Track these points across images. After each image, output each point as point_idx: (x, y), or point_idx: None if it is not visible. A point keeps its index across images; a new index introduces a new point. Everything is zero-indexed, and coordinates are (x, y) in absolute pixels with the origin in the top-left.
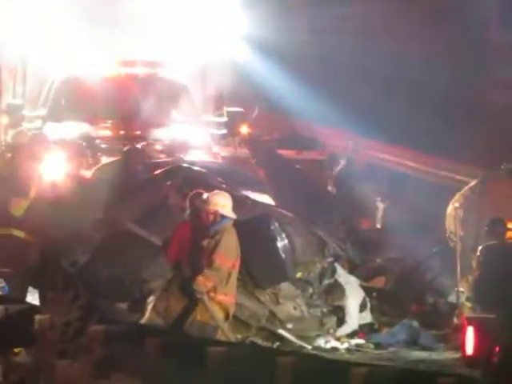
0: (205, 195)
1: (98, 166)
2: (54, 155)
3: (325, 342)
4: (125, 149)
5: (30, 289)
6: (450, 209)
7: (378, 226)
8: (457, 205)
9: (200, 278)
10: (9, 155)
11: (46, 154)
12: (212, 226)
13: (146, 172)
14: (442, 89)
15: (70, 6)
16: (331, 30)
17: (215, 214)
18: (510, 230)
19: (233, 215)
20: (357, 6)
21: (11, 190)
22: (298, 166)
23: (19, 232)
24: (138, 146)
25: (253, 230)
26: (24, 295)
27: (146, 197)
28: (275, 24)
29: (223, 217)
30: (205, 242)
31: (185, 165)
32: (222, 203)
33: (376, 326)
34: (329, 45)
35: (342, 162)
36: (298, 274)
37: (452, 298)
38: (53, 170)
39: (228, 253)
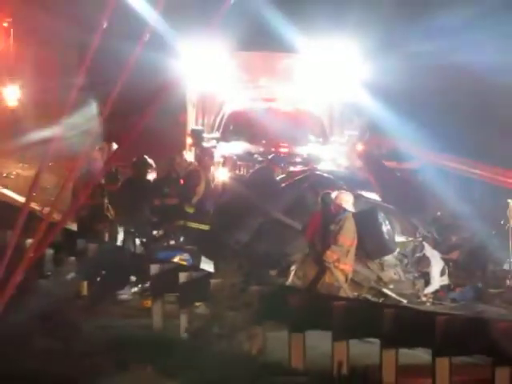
0: (333, 194)
1: (253, 171)
2: (218, 165)
3: (416, 298)
4: (269, 157)
5: (207, 260)
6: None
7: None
8: (509, 200)
9: (328, 252)
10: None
11: (211, 164)
12: (337, 215)
13: (288, 176)
14: None
15: (236, 60)
16: (421, 74)
17: (340, 207)
18: None
19: (352, 208)
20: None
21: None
22: (398, 174)
23: (193, 223)
24: (279, 156)
25: (366, 217)
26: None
27: (290, 194)
28: (382, 70)
29: (345, 209)
30: (332, 227)
31: (317, 172)
32: (345, 199)
33: (452, 287)
34: (418, 83)
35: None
36: (397, 249)
37: (506, 266)
38: (218, 175)
39: (348, 234)
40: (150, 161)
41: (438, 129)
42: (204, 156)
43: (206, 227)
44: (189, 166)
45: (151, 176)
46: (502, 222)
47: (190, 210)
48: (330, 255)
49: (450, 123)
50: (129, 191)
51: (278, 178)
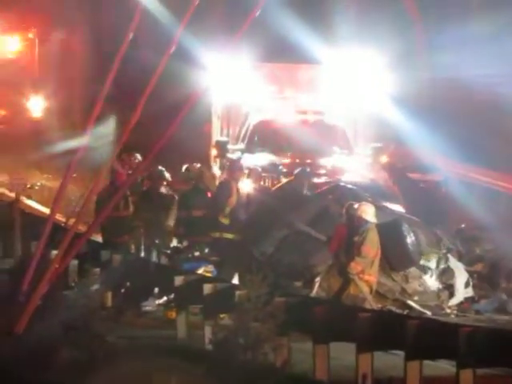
0: (356, 205)
1: (279, 184)
2: (243, 176)
3: (440, 310)
4: (295, 171)
5: (232, 272)
6: None
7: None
8: None
9: (352, 264)
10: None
11: (241, 176)
12: (360, 227)
13: (313, 188)
14: None
15: (261, 71)
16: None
17: (362, 218)
18: None
19: (374, 220)
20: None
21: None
22: (422, 185)
23: (228, 234)
24: (307, 169)
25: (390, 229)
26: (228, 276)
27: (314, 206)
28: (406, 81)
29: (367, 221)
30: (355, 238)
31: (341, 183)
32: (367, 211)
33: (476, 298)
34: (442, 95)
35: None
36: (422, 261)
37: None
38: (245, 186)
39: (371, 245)
40: (167, 174)
41: (462, 140)
42: (234, 167)
43: (239, 238)
44: (217, 178)
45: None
46: None
47: (226, 221)
48: (355, 266)
49: (474, 134)
50: (148, 202)
51: (304, 191)
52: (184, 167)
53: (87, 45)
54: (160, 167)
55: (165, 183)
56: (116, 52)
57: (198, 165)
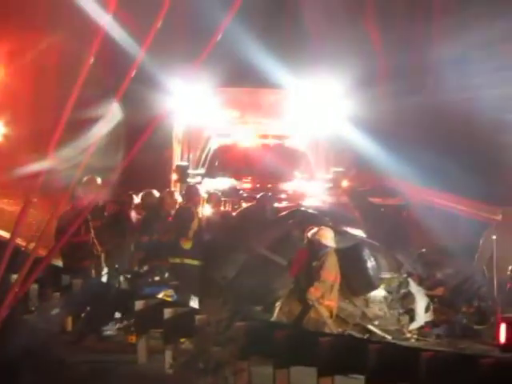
0: (315, 230)
1: (240, 208)
2: (204, 201)
3: (401, 334)
4: (258, 196)
5: (192, 296)
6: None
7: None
8: (494, 237)
9: (311, 289)
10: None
11: (199, 201)
12: (319, 251)
13: (274, 213)
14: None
15: (223, 96)
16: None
17: (321, 243)
18: None
19: (333, 244)
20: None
21: (178, 229)
22: (382, 209)
23: (189, 260)
24: (269, 194)
25: (351, 253)
26: (188, 301)
27: (275, 231)
28: (367, 106)
29: (326, 245)
30: (314, 263)
31: (302, 208)
32: (325, 235)
33: (436, 323)
34: (403, 119)
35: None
36: (383, 286)
37: (490, 302)
38: (205, 211)
39: (330, 270)
40: (136, 198)
41: (422, 164)
42: (190, 193)
43: (201, 263)
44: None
45: (133, 212)
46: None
47: (187, 246)
48: (314, 292)
49: (434, 158)
50: (113, 227)
51: (266, 216)
52: (140, 195)
53: (51, 68)
54: (130, 192)
55: (132, 207)
56: (77, 76)
57: (154, 191)
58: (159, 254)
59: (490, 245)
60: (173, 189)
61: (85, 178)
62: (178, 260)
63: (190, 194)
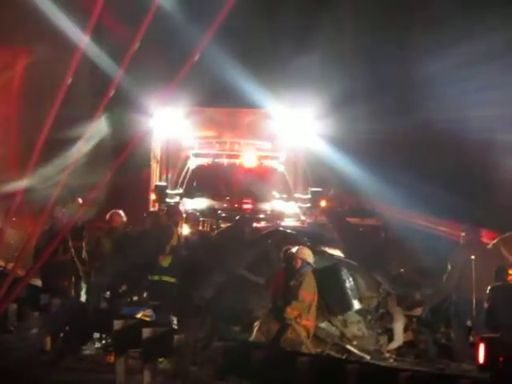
0: (293, 249)
1: (219, 229)
2: (183, 220)
3: (380, 354)
4: (237, 217)
5: (171, 316)
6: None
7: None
8: (472, 257)
9: (288, 309)
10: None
11: (179, 220)
12: (297, 271)
13: (253, 233)
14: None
15: (200, 116)
16: (385, 130)
17: (299, 262)
18: (510, 275)
19: (312, 261)
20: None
21: (157, 247)
22: (361, 229)
23: (167, 277)
24: (247, 215)
25: (329, 273)
26: (166, 321)
27: (254, 251)
28: (344, 126)
29: (304, 265)
30: (292, 283)
31: (281, 228)
32: (304, 255)
33: (415, 343)
34: (383, 139)
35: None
36: (361, 305)
37: (469, 323)
38: (183, 231)
39: (308, 289)
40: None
41: (401, 185)
42: (171, 212)
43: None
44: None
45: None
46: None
47: (166, 263)
48: (291, 312)
49: (413, 179)
50: (94, 249)
51: (244, 236)
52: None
53: (25, 89)
54: (119, 211)
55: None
56: (55, 96)
57: (120, 211)
58: (137, 273)
59: (461, 264)
60: (151, 209)
61: (64, 198)
62: (156, 277)
63: (171, 212)
